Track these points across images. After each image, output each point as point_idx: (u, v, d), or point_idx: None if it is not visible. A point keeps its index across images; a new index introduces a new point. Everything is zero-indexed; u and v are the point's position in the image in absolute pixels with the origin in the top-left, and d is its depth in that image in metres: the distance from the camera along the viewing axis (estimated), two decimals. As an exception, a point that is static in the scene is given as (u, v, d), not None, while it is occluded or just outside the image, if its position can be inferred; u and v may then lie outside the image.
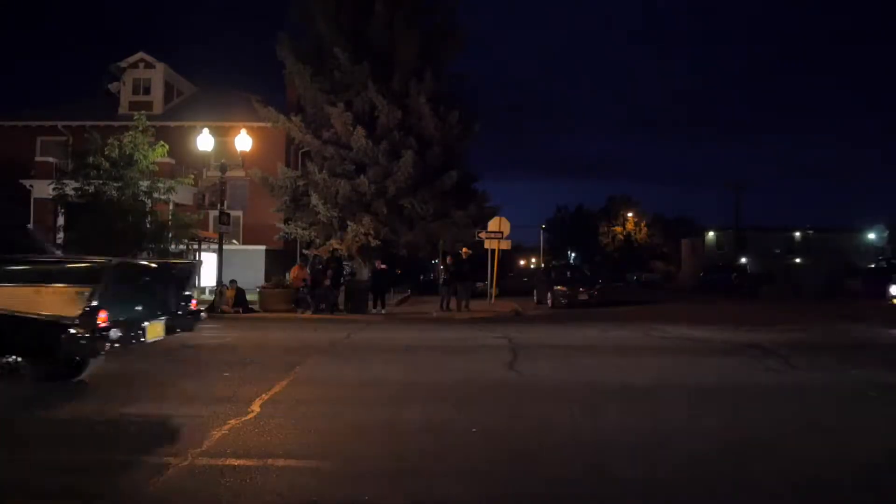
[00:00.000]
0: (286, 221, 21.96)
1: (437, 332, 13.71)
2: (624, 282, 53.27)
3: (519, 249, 70.12)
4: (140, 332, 5.91)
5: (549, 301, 21.13)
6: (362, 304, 17.33)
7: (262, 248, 25.07)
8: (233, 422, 5.13)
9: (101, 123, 24.50)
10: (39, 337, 5.38)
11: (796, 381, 7.45)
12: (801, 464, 4.23)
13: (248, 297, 17.26)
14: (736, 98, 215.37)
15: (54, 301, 5.38)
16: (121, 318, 5.61)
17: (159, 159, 19.32)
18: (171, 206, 21.11)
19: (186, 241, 20.46)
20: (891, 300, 20.94)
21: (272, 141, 25.96)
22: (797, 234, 54.66)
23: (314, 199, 19.97)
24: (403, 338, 12.35)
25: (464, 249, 19.44)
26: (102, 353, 5.66)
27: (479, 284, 22.61)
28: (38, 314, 5.30)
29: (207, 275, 22.66)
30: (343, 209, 20.03)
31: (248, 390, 6.42)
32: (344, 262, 20.44)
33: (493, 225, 20.15)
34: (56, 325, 5.18)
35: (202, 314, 7.39)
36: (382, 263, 19.18)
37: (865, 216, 57.11)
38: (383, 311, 17.59)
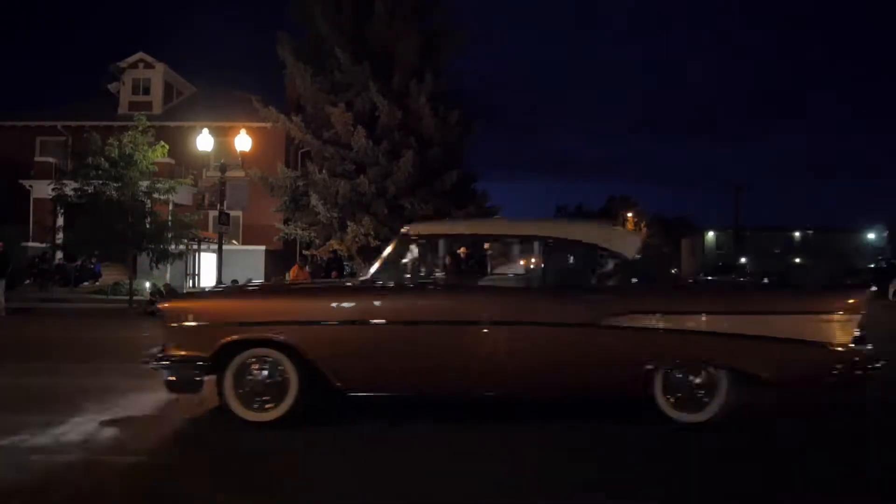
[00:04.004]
0: (286, 222, 21.95)
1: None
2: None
3: (519, 249, 70.02)
4: None
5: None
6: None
7: (262, 248, 25.09)
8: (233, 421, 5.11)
9: (101, 123, 24.53)
10: None
11: None
12: None
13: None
14: (736, 98, 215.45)
15: None
16: None
17: (159, 159, 19.33)
18: (170, 207, 21.12)
19: (186, 241, 20.47)
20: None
21: (272, 141, 25.96)
22: (797, 234, 54.74)
23: (314, 200, 19.96)
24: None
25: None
26: None
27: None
28: None
29: (207, 275, 22.68)
30: (343, 209, 20.02)
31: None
32: (344, 263, 20.42)
33: (493, 225, 20.11)
34: None
35: None
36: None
37: (865, 216, 57.12)
38: (383, 312, 17.54)
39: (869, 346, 4.78)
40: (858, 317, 4.74)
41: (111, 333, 12.25)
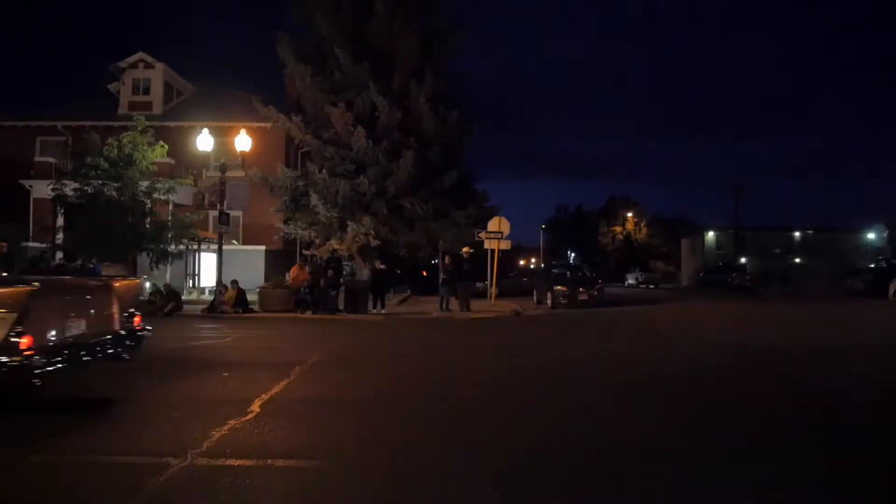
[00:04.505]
0: (286, 221, 21.95)
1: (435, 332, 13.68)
2: (623, 282, 53.18)
3: (519, 249, 70.19)
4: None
5: (548, 301, 21.11)
6: (362, 304, 17.32)
7: (262, 248, 25.07)
8: (233, 422, 5.11)
9: (101, 123, 24.53)
10: None
11: None
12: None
13: (248, 297, 17.24)
14: (736, 98, 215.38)
15: None
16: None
17: (159, 159, 19.32)
18: (170, 207, 21.12)
19: (186, 241, 20.46)
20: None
21: (272, 141, 25.95)
22: (797, 234, 54.68)
23: (314, 199, 19.96)
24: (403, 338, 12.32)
25: (465, 249, 19.41)
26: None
27: (479, 285, 22.63)
28: None
29: (207, 275, 22.67)
30: (343, 209, 20.02)
31: (248, 391, 6.40)
32: (344, 263, 20.43)
33: (492, 225, 20.14)
34: None
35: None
36: (382, 264, 19.16)
37: (865, 216, 57.10)
38: (383, 312, 17.57)
39: (24, 342, 4.70)
40: (14, 315, 4.70)
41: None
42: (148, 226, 18.61)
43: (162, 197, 19.29)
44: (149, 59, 29.57)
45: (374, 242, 19.99)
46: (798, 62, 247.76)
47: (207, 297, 20.53)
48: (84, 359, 5.42)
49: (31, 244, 24.55)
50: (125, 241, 17.90)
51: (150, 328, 6.69)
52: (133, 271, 19.43)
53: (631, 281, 52.51)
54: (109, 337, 5.89)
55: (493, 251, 20.25)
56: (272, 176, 21.38)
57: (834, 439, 4.90)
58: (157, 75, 29.51)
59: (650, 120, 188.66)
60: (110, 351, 5.82)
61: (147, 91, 29.44)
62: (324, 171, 20.02)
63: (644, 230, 73.17)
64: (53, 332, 5.17)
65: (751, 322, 15.97)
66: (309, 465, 4.13)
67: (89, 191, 17.79)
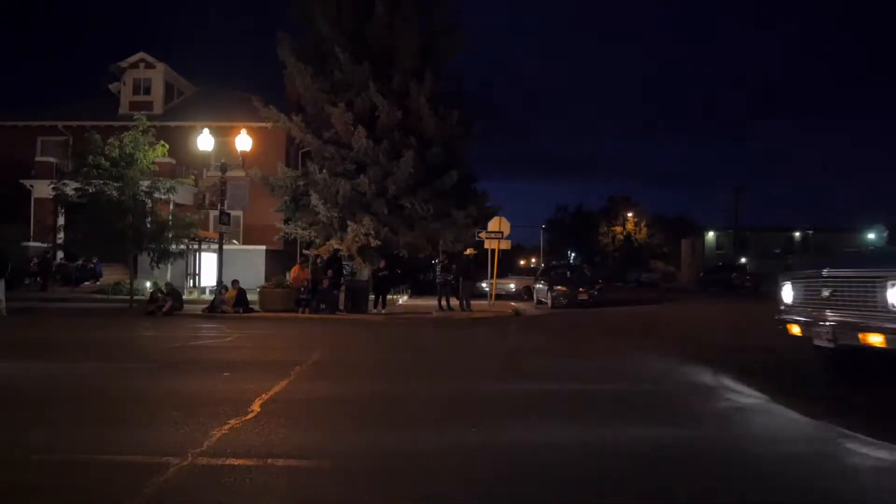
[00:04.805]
0: (286, 221, 21.96)
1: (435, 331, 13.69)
2: (624, 282, 53.21)
3: (519, 249, 70.26)
4: None
5: (548, 301, 21.12)
6: (363, 303, 17.34)
7: (263, 248, 25.11)
8: (233, 422, 5.12)
9: (102, 123, 24.58)
10: None
11: None
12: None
13: (249, 297, 17.26)
14: (736, 98, 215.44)
15: None
16: None
17: (159, 159, 19.36)
18: (171, 206, 21.16)
19: (187, 241, 20.50)
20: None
21: (272, 141, 25.99)
22: (797, 234, 54.70)
23: (314, 199, 19.96)
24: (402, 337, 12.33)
25: (469, 250, 19.46)
26: None
27: (482, 284, 22.67)
28: None
29: (208, 275, 22.70)
30: (343, 209, 20.03)
31: (248, 390, 6.41)
32: (344, 262, 20.44)
33: (493, 225, 20.14)
34: None
35: None
36: (384, 263, 19.17)
37: (865, 216, 57.03)
38: (384, 311, 17.59)
39: None
40: None
41: (127, 333, 12.27)
42: (149, 225, 18.63)
43: (163, 196, 19.32)
44: (149, 58, 29.63)
45: (375, 242, 19.99)
46: (798, 62, 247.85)
47: (208, 296, 20.55)
48: None
49: (32, 244, 24.62)
50: (126, 240, 17.93)
51: None
52: (134, 271, 19.49)
53: (631, 281, 52.49)
54: None
55: (493, 251, 20.26)
56: (272, 176, 21.39)
57: None
58: (157, 75, 29.56)
59: (650, 120, 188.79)
60: None
61: (148, 91, 29.50)
62: (324, 170, 20.02)
63: (644, 230, 73.24)
64: None
65: (750, 322, 15.98)
66: (309, 464, 4.14)
67: (90, 190, 17.82)
